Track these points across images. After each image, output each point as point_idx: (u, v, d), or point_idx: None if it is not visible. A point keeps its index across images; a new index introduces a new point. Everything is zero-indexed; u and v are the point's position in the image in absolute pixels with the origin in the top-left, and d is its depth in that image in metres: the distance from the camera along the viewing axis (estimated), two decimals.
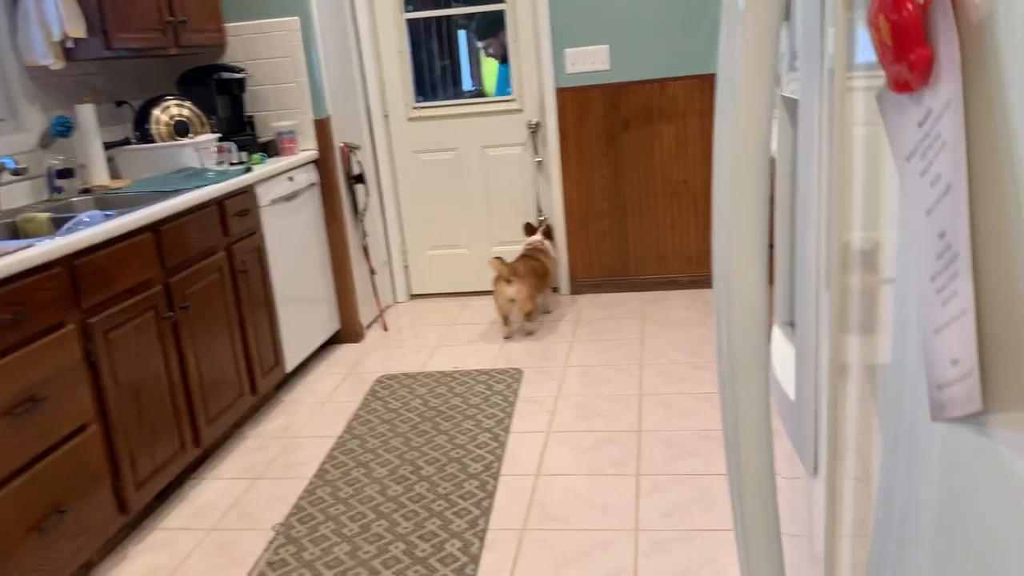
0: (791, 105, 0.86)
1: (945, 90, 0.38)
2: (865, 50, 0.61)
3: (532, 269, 4.04)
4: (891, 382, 0.59)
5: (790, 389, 0.84)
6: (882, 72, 0.51)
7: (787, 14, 0.79)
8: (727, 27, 0.69)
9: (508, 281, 3.92)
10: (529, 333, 4.11)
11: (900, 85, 0.42)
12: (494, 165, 4.63)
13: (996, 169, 0.36)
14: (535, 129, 4.51)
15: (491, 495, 2.69)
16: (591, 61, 4.35)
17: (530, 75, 4.46)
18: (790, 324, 0.99)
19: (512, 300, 3.95)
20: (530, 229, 4.37)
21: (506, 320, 4.08)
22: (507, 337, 4.09)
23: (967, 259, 0.37)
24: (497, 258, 3.96)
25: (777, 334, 0.97)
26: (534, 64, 4.44)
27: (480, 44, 4.74)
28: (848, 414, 0.68)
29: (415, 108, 4.61)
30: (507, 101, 4.54)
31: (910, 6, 0.39)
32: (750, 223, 0.71)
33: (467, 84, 5.40)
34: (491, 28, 4.68)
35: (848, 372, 0.67)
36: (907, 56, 0.40)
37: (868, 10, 0.43)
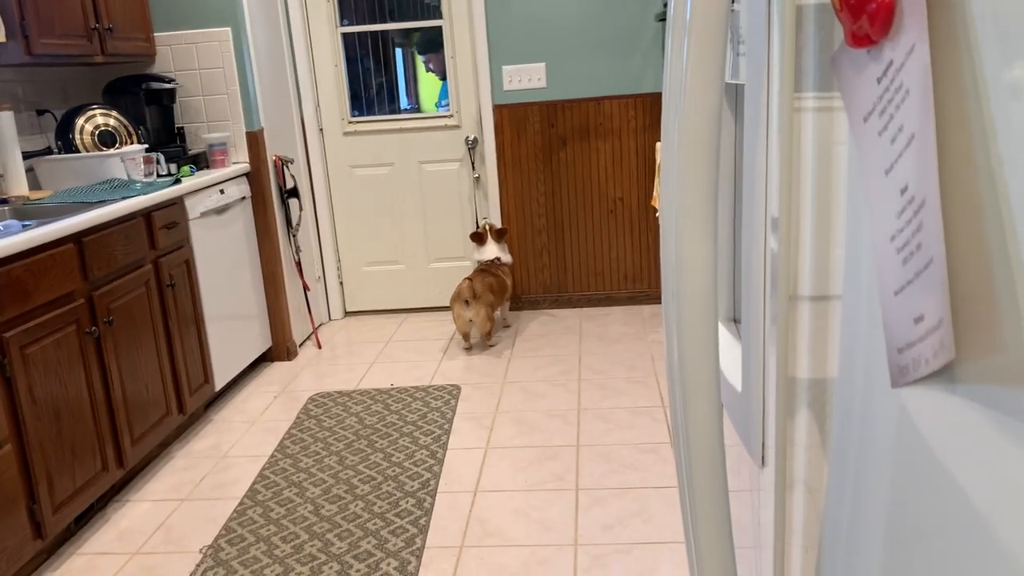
0: (733, 92, 0.86)
1: (908, 36, 0.37)
2: (811, 44, 0.60)
3: (490, 287, 4.01)
4: (840, 377, 0.58)
5: (736, 381, 0.83)
6: (835, 43, 0.50)
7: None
8: (675, 15, 0.68)
9: (466, 303, 3.90)
10: (491, 345, 4.10)
11: (859, 39, 0.41)
12: (431, 180, 4.60)
13: (962, 116, 0.35)
14: (472, 145, 4.50)
15: (428, 513, 2.63)
16: (528, 78, 4.37)
17: (467, 91, 4.46)
18: (733, 320, 0.98)
19: (471, 321, 3.94)
20: (479, 237, 4.24)
21: (466, 337, 4.06)
22: (468, 350, 4.07)
23: (936, 206, 0.36)
24: (473, 277, 3.95)
25: (721, 329, 0.96)
26: (471, 80, 4.43)
27: (422, 58, 4.73)
28: (797, 403, 0.67)
29: (351, 123, 4.56)
30: (444, 117, 4.52)
31: None
32: (700, 224, 0.70)
33: (404, 101, 5.38)
34: (432, 44, 4.67)
35: (796, 367, 0.66)
36: (867, 6, 0.39)
37: None
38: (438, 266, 4.70)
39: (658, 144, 3.82)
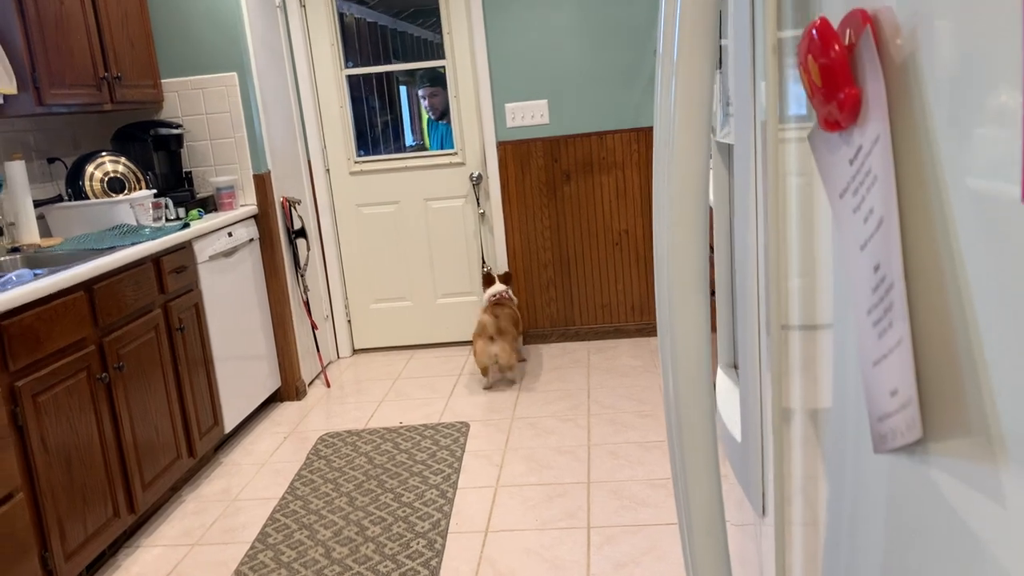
0: (726, 150, 0.88)
1: (873, 127, 0.39)
2: (797, 100, 0.63)
3: (512, 319, 4.03)
4: (833, 423, 0.59)
5: (736, 431, 0.84)
6: (813, 116, 0.52)
7: (720, 63, 0.81)
8: (663, 78, 0.70)
9: (491, 339, 3.87)
10: (511, 382, 4.08)
11: (831, 124, 0.43)
12: (437, 217, 4.64)
13: (924, 200, 0.37)
14: (477, 181, 4.54)
15: (439, 554, 2.63)
16: (531, 115, 4.42)
17: (471, 129, 4.51)
18: (733, 367, 0.99)
19: (495, 355, 3.90)
20: (489, 280, 4.31)
21: (486, 372, 4.04)
22: (488, 388, 4.04)
23: (901, 289, 0.37)
24: (491, 312, 3.93)
25: (721, 376, 0.98)
26: (475, 118, 4.49)
27: (420, 93, 4.80)
28: (793, 455, 0.68)
29: (356, 162, 4.61)
30: (449, 155, 4.57)
31: (837, 47, 0.40)
32: (690, 266, 0.71)
33: (409, 139, 5.45)
34: (430, 80, 4.75)
35: (791, 414, 0.67)
36: (836, 95, 0.41)
37: (797, 52, 0.44)
38: (445, 302, 4.73)
39: None
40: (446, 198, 4.62)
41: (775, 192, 0.66)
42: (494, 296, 4.22)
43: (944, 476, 0.37)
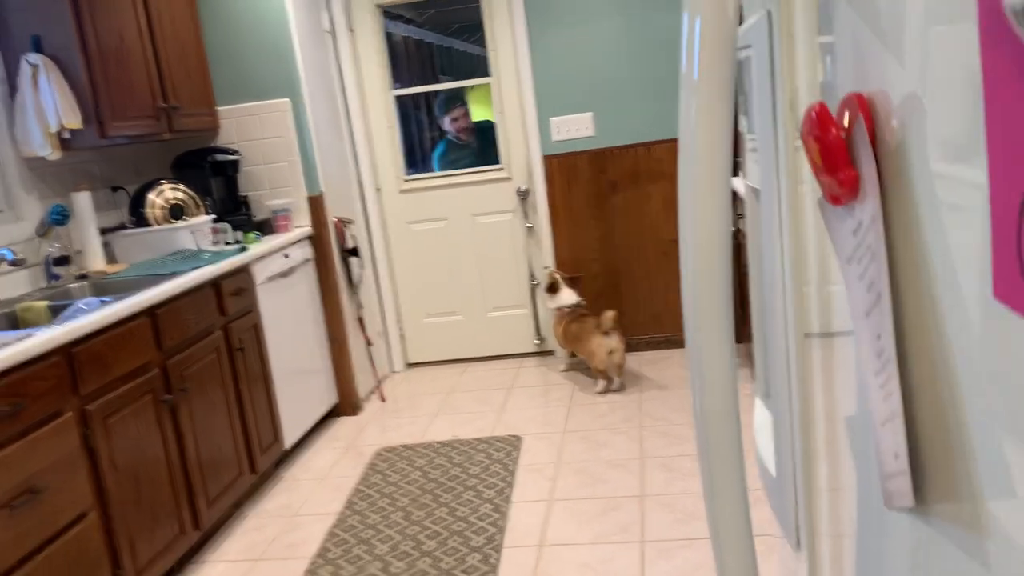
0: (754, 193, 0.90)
1: (870, 206, 0.42)
2: None
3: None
4: (859, 462, 0.61)
5: (771, 464, 0.86)
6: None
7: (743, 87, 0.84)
8: (684, 97, 0.72)
9: (606, 333, 3.88)
10: (619, 389, 4.06)
11: (833, 199, 0.45)
12: (485, 232, 4.69)
13: (916, 280, 0.39)
14: (524, 196, 4.58)
15: (494, 568, 2.66)
16: (576, 128, 4.45)
17: (517, 144, 4.55)
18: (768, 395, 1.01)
19: (612, 352, 3.90)
20: (554, 287, 4.29)
21: (605, 376, 4.01)
22: (603, 392, 4.02)
23: (895, 367, 0.40)
24: (612, 313, 3.92)
25: (759, 407, 1.00)
26: (520, 133, 4.53)
27: (446, 119, 4.83)
28: (821, 491, 0.70)
29: (406, 180, 4.69)
30: (495, 170, 4.62)
31: (834, 130, 0.43)
32: (713, 291, 0.74)
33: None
34: (453, 101, 4.83)
35: (818, 452, 0.69)
36: (836, 174, 0.43)
37: (801, 130, 0.47)
38: (495, 315, 4.78)
39: None
40: (493, 213, 4.67)
41: (796, 241, 0.68)
42: (569, 308, 4.19)
43: (943, 538, 0.39)
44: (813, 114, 0.44)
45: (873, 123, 0.41)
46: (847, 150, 0.43)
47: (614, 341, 3.90)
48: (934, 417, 0.39)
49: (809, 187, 0.64)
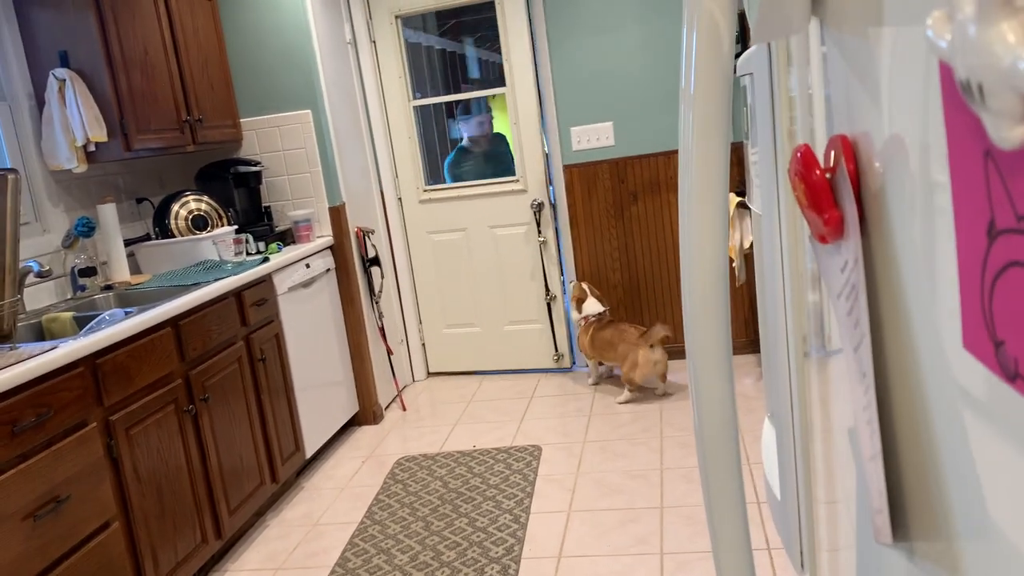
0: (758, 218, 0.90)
1: (853, 247, 0.42)
2: None
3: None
4: (859, 483, 0.62)
5: (776, 487, 0.86)
6: None
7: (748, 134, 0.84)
8: (683, 110, 0.73)
9: (652, 346, 3.93)
10: (665, 394, 4.10)
11: (820, 237, 0.46)
12: (502, 244, 4.67)
13: (897, 322, 0.40)
14: (538, 209, 4.55)
15: None
16: (596, 137, 4.45)
17: (532, 156, 4.52)
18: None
19: (656, 363, 3.96)
20: (580, 299, 4.30)
21: (636, 385, 4.02)
22: (626, 402, 4.05)
23: (875, 408, 0.40)
24: (663, 332, 3.94)
25: (767, 427, 1.00)
26: (536, 145, 4.49)
27: (468, 128, 4.85)
28: (822, 514, 0.70)
29: (426, 191, 4.71)
30: (511, 182, 4.60)
31: (818, 172, 0.43)
32: (710, 308, 0.74)
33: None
34: (467, 113, 4.84)
35: (818, 474, 0.70)
36: (821, 215, 0.44)
37: (788, 169, 0.47)
38: (512, 329, 4.75)
39: (731, 195, 3.83)
40: (510, 225, 4.65)
41: (795, 261, 0.69)
42: (596, 316, 4.21)
43: (918, 572, 0.40)
44: (798, 154, 0.45)
45: (857, 165, 0.42)
46: (831, 191, 0.43)
47: (658, 354, 3.95)
48: (915, 457, 0.39)
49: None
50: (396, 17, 4.50)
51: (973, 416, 0.33)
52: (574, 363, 4.75)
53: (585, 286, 4.33)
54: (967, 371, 0.32)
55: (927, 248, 0.36)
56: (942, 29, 0.27)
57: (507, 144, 4.73)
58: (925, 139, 0.34)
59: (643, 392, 4.13)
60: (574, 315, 4.33)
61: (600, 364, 4.39)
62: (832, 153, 0.43)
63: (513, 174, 4.62)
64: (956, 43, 0.26)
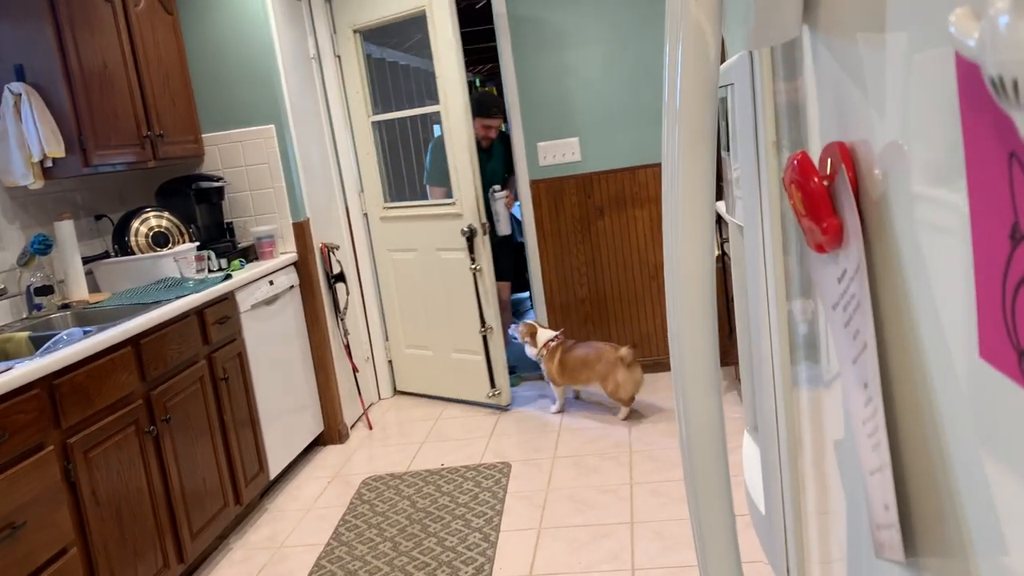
0: (739, 230, 0.90)
1: (854, 255, 0.41)
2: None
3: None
4: (848, 501, 0.61)
5: (761, 502, 0.85)
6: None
7: (728, 146, 0.84)
8: (668, 125, 0.72)
9: (629, 366, 3.87)
10: (626, 418, 3.99)
11: (817, 246, 0.45)
12: (447, 268, 4.35)
13: (902, 331, 0.39)
14: (470, 235, 4.16)
15: None
16: (563, 153, 4.46)
17: (467, 177, 4.12)
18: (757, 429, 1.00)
19: (638, 382, 3.91)
20: (532, 334, 4.18)
21: (627, 401, 3.95)
22: (627, 418, 3.97)
23: (883, 417, 0.39)
24: (630, 349, 3.90)
25: (747, 441, 0.99)
26: (469, 165, 4.10)
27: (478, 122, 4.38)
28: (810, 532, 0.69)
29: (385, 208, 4.62)
30: (447, 204, 4.25)
31: (816, 179, 0.42)
32: (698, 319, 0.73)
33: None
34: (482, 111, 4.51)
35: (807, 491, 0.69)
36: (819, 223, 0.43)
37: (783, 177, 0.46)
38: (458, 357, 4.46)
39: None
40: (452, 249, 4.30)
41: (780, 271, 0.68)
42: (554, 340, 4.12)
43: None
44: (795, 162, 0.44)
45: (855, 172, 0.41)
46: (830, 199, 0.42)
47: (638, 373, 3.91)
48: (923, 469, 0.38)
49: (793, 227, 0.63)
50: (355, 31, 4.45)
51: (990, 427, 0.32)
52: (511, 403, 4.38)
53: (531, 321, 4.27)
54: (984, 381, 0.31)
55: (935, 255, 0.35)
56: (968, 26, 0.26)
57: (506, 145, 4.59)
58: (933, 143, 0.34)
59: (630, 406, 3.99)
60: (531, 352, 4.17)
61: (576, 393, 4.26)
62: (829, 160, 0.43)
63: (500, 181, 4.51)
64: (986, 39, 0.25)
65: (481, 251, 4.21)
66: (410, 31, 4.66)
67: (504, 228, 4.57)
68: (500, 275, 4.45)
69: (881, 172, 0.39)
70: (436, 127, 4.99)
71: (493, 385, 4.36)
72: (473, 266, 4.23)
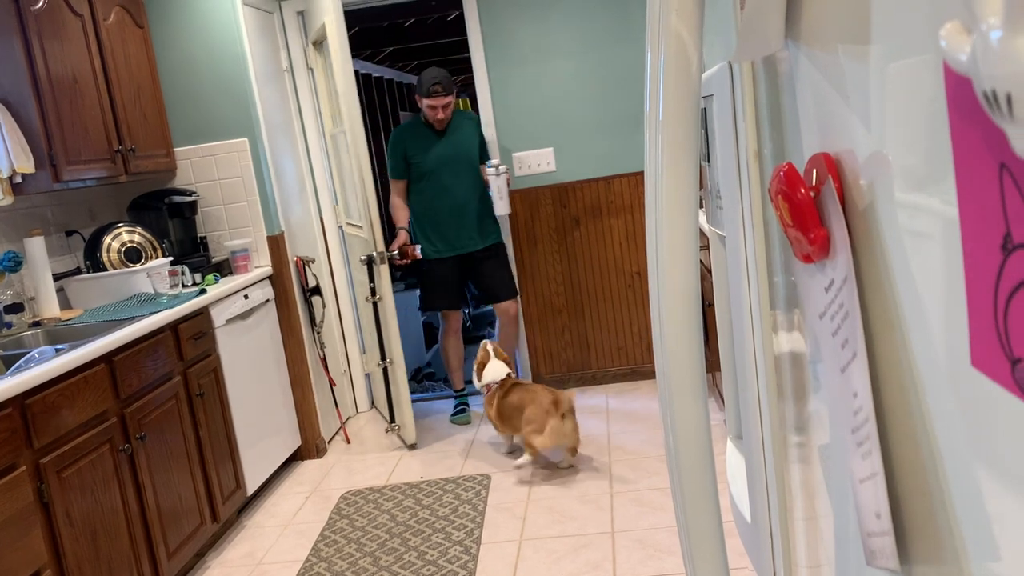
0: (721, 240, 0.90)
1: (842, 265, 0.41)
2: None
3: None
4: (836, 505, 0.61)
5: (746, 510, 0.85)
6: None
7: (708, 156, 0.84)
8: (650, 136, 0.71)
9: (563, 416, 3.39)
10: (570, 466, 3.57)
11: (804, 257, 0.45)
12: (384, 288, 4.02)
13: (891, 340, 0.39)
14: (369, 263, 3.92)
15: None
16: (538, 163, 4.47)
17: (372, 200, 3.88)
18: (740, 437, 1.01)
19: (566, 436, 3.43)
20: (483, 363, 3.83)
21: (538, 455, 3.50)
22: (521, 467, 3.57)
23: (874, 426, 0.40)
24: (519, 393, 3.54)
25: (731, 449, 0.99)
26: (371, 188, 3.89)
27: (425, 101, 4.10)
28: (797, 538, 0.69)
29: (348, 223, 4.57)
30: (354, 227, 4.06)
31: (803, 190, 0.43)
32: (685, 330, 0.73)
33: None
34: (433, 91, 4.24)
35: (794, 495, 0.69)
36: (806, 234, 0.43)
37: (769, 188, 0.47)
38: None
39: None
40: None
41: (764, 280, 0.68)
42: (499, 383, 3.71)
43: None
44: (781, 173, 0.44)
45: (841, 183, 0.41)
46: (817, 209, 0.43)
47: (569, 425, 3.41)
48: (914, 477, 0.39)
49: (777, 237, 0.64)
50: (313, 44, 4.43)
51: (983, 434, 0.32)
52: (415, 444, 4.07)
53: (491, 347, 3.85)
54: (975, 389, 0.32)
55: (924, 264, 0.35)
56: (959, 41, 0.26)
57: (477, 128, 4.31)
58: (921, 154, 0.34)
59: (569, 459, 3.55)
60: (476, 383, 3.84)
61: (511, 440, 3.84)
62: (815, 171, 0.43)
63: (472, 165, 4.17)
64: (978, 54, 0.25)
65: (380, 280, 3.92)
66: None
67: (503, 208, 4.17)
68: (502, 294, 4.28)
69: (867, 182, 0.39)
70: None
71: (392, 420, 4.18)
72: (375, 296, 3.96)
